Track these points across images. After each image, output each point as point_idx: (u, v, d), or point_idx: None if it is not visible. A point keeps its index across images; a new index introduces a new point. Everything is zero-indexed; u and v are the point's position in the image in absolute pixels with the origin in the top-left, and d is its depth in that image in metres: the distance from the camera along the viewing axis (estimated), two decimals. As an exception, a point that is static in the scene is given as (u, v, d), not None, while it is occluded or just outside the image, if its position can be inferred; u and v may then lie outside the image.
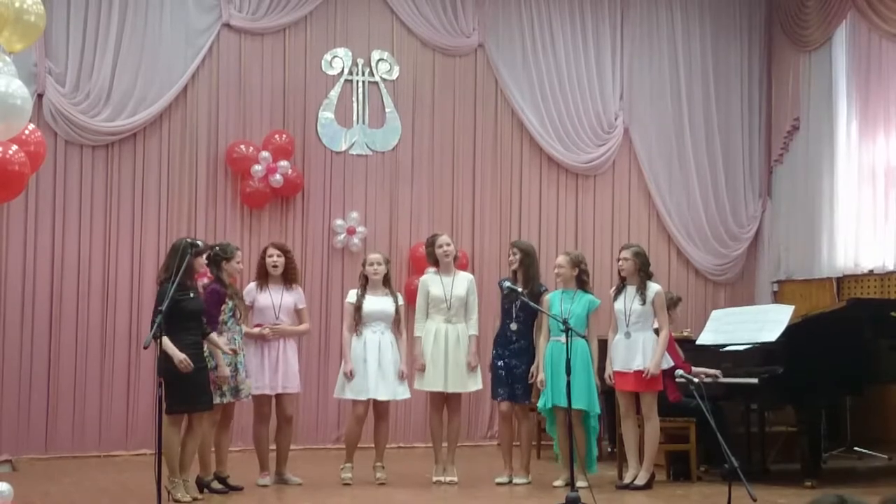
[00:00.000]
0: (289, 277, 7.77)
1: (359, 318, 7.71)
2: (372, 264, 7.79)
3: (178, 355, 6.60)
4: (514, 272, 7.80)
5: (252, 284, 7.76)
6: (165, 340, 6.49)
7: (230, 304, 7.28)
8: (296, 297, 7.80)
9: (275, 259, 7.68)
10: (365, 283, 7.81)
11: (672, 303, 8.31)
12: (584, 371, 7.43)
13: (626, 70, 10.96)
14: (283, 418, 7.71)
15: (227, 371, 7.09)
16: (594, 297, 7.68)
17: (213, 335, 7.02)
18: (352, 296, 7.84)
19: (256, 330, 7.59)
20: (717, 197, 11.20)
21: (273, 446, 7.75)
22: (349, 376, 7.63)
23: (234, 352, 7.17)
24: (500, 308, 7.91)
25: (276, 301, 7.65)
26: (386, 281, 7.83)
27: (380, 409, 7.78)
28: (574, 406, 7.06)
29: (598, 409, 7.56)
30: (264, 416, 7.65)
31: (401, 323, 7.84)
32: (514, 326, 7.74)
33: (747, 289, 11.31)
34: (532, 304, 7.52)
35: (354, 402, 7.74)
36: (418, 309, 7.92)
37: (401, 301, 7.88)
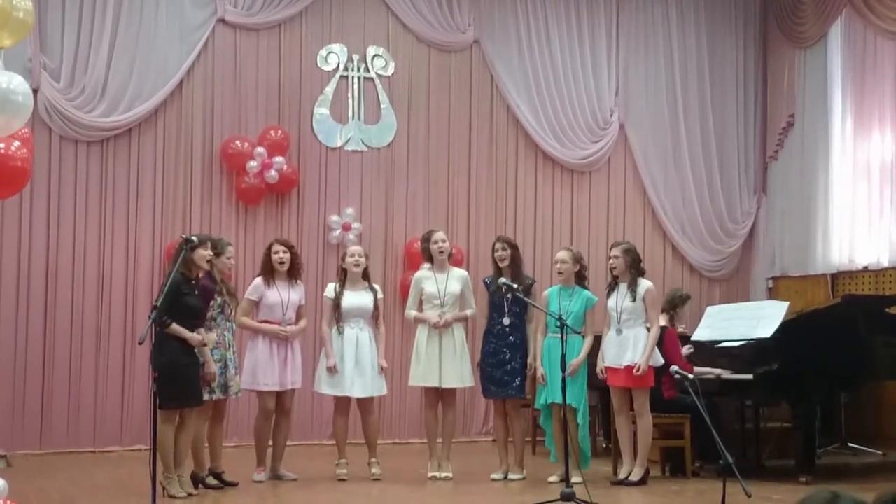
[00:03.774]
0: (294, 273, 7.78)
1: (338, 315, 7.70)
2: (353, 256, 7.77)
3: (195, 337, 6.75)
4: (503, 268, 7.75)
5: (259, 280, 7.75)
6: (174, 328, 6.64)
7: (219, 300, 7.27)
8: (299, 294, 7.81)
9: (280, 255, 7.69)
10: (344, 278, 7.80)
11: (681, 301, 8.31)
12: (580, 368, 7.44)
13: (621, 66, 10.97)
14: (281, 412, 7.71)
15: (213, 368, 7.08)
16: (592, 295, 7.68)
17: (202, 332, 7.01)
18: (330, 291, 7.82)
19: (272, 327, 7.59)
20: (712, 193, 11.21)
21: (270, 442, 7.75)
22: (332, 371, 7.62)
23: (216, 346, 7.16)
24: (488, 305, 7.89)
25: (283, 298, 7.66)
26: (365, 275, 7.82)
27: (363, 404, 7.77)
28: (570, 403, 7.06)
29: (584, 406, 7.55)
30: (268, 413, 7.64)
31: (379, 318, 7.83)
32: (506, 321, 7.73)
33: (742, 285, 11.32)
34: (530, 301, 7.53)
35: (336, 396, 7.74)
36: (410, 302, 7.91)
37: (380, 295, 7.87)
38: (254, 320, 7.69)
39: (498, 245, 7.83)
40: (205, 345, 6.92)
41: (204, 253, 6.96)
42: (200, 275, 7.21)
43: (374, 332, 7.80)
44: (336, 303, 7.70)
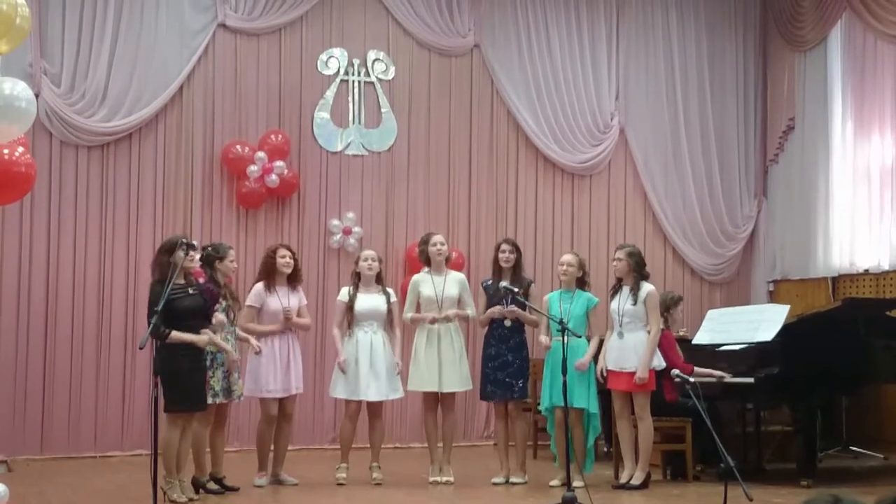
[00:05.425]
0: (295, 279, 7.80)
1: (351, 318, 7.71)
2: (367, 260, 7.79)
3: (200, 339, 6.72)
4: (505, 269, 7.76)
5: (260, 286, 7.74)
6: (176, 335, 6.57)
7: (223, 304, 7.26)
8: (299, 297, 7.84)
9: (287, 259, 7.71)
10: (357, 281, 7.80)
11: (673, 302, 8.27)
12: (584, 371, 7.44)
13: (621, 70, 10.97)
14: (283, 417, 7.71)
15: (234, 355, 7.15)
16: (592, 296, 7.68)
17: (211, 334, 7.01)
18: (343, 294, 7.83)
19: (275, 326, 7.61)
20: (713, 197, 11.21)
21: (272, 446, 7.75)
22: (342, 366, 7.61)
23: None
24: (487, 308, 7.88)
25: (284, 303, 7.68)
26: (378, 279, 7.83)
27: (373, 408, 7.78)
28: (575, 405, 7.06)
29: (596, 409, 7.56)
30: (272, 418, 7.64)
31: (394, 322, 7.83)
32: (507, 323, 7.73)
33: (743, 288, 11.31)
34: (532, 305, 7.55)
35: (347, 400, 7.75)
36: (407, 306, 7.91)
37: (394, 298, 7.88)
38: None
39: (505, 246, 7.83)
40: (214, 344, 6.92)
41: (180, 254, 6.71)
42: (202, 279, 7.20)
43: (389, 335, 7.80)
44: (350, 305, 7.71)
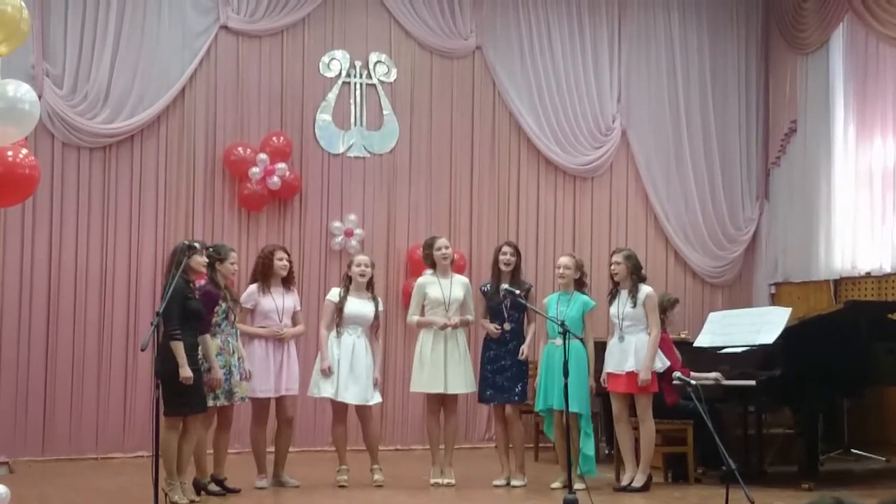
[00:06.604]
0: (289, 280, 7.81)
1: (339, 319, 7.71)
2: (360, 265, 7.79)
3: (186, 371, 6.60)
4: (504, 272, 7.76)
5: (254, 287, 7.75)
6: (179, 346, 6.57)
7: (223, 305, 7.27)
8: (294, 300, 7.84)
9: (284, 262, 7.73)
10: (348, 284, 7.81)
11: (669, 304, 8.25)
12: (579, 374, 7.43)
13: (623, 72, 10.97)
14: (283, 420, 7.72)
15: (219, 374, 7.08)
16: (589, 299, 7.69)
17: (207, 338, 7.02)
18: (334, 294, 7.84)
19: (265, 330, 7.62)
20: (715, 199, 11.21)
21: (271, 448, 7.76)
22: (327, 373, 7.62)
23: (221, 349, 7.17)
24: (486, 311, 7.89)
25: (279, 304, 7.69)
26: (369, 285, 7.83)
27: (361, 412, 7.78)
28: (573, 410, 7.05)
29: (587, 411, 7.56)
30: (262, 419, 7.67)
31: (378, 329, 7.85)
32: (507, 326, 7.74)
33: (745, 291, 11.31)
34: (534, 308, 7.56)
35: (333, 404, 7.75)
36: (412, 308, 7.91)
37: (381, 307, 7.90)
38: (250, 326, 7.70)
39: (506, 248, 7.84)
40: (191, 384, 6.71)
41: (201, 259, 6.95)
42: (203, 281, 7.21)
43: (372, 342, 7.82)
44: (339, 307, 7.72)
